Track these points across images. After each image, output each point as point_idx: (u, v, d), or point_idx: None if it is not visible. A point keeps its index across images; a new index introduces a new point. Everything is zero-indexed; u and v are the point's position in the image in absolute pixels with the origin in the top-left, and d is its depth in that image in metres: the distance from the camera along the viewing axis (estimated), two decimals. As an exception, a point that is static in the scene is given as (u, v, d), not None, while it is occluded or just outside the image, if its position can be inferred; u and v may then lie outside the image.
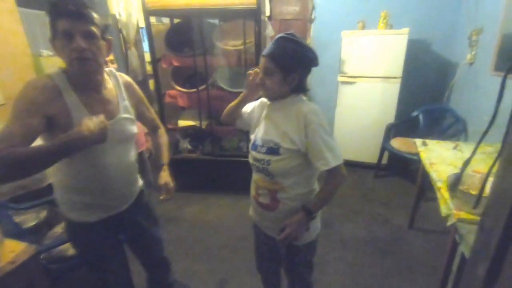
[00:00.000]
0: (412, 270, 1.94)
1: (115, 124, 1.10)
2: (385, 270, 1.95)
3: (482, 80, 2.52)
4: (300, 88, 1.11)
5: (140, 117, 1.32)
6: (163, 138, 1.43)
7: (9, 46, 2.53)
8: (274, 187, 1.13)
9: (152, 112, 1.39)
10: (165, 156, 1.39)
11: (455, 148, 1.96)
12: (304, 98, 1.15)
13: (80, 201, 1.12)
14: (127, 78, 1.24)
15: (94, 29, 0.95)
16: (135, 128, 1.20)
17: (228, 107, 1.31)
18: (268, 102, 1.17)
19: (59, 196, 1.15)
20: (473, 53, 2.67)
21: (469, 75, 2.77)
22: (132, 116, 1.19)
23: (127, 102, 1.18)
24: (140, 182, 1.36)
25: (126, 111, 1.16)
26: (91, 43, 0.95)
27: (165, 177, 1.32)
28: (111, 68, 1.20)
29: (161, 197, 1.29)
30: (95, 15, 0.96)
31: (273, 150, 1.08)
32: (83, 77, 1.02)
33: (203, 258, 2.10)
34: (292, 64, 1.03)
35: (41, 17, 3.32)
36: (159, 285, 1.67)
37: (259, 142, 1.14)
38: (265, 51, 1.05)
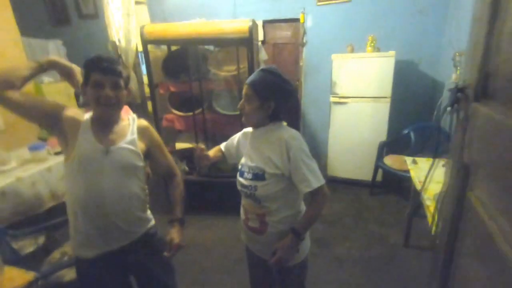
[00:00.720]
0: (408, 289, 1.95)
1: (115, 151, 1.15)
2: (381, 290, 1.95)
3: (467, 99, 2.62)
4: (277, 116, 1.19)
5: (154, 161, 1.33)
6: (179, 189, 1.37)
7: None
8: (261, 211, 1.18)
9: (169, 159, 1.38)
10: (179, 210, 1.33)
11: (444, 165, 2.01)
12: (285, 124, 1.23)
13: (78, 230, 1.15)
14: (144, 123, 1.30)
15: (120, 80, 1.13)
16: (140, 162, 1.21)
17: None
18: (251, 130, 1.25)
19: (70, 228, 1.20)
20: (457, 73, 2.78)
21: (455, 94, 2.87)
22: (138, 150, 1.21)
23: (135, 138, 1.22)
24: (151, 222, 1.33)
25: (131, 143, 1.20)
26: (117, 92, 1.13)
27: (172, 233, 1.25)
28: (133, 116, 1.29)
29: (165, 253, 1.22)
30: (122, 69, 1.13)
31: (259, 176, 1.15)
32: (104, 117, 1.17)
33: (198, 281, 2.10)
34: (269, 92, 1.13)
35: (44, 45, 3.46)
36: None
37: (245, 169, 1.21)
38: (248, 80, 1.16)
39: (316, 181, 1.10)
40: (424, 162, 2.10)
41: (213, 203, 2.95)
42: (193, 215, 2.91)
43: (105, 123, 1.18)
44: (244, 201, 1.26)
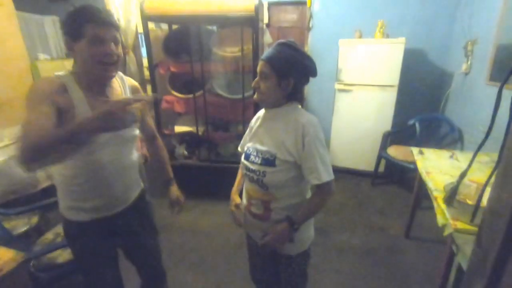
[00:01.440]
0: (408, 280, 1.92)
1: None
2: (381, 280, 1.92)
3: (477, 90, 2.54)
4: (295, 95, 1.09)
5: (141, 124, 1.32)
6: (164, 151, 1.44)
7: (6, 49, 2.51)
8: (267, 197, 1.11)
9: (151, 121, 1.38)
10: (170, 170, 1.40)
11: (451, 157, 1.96)
12: (299, 107, 1.13)
13: (74, 198, 1.11)
14: (134, 82, 1.25)
15: (118, 35, 1.01)
16: (137, 130, 1.21)
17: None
18: (263, 111, 1.16)
19: (58, 193, 1.14)
20: (468, 63, 2.70)
21: (464, 85, 2.79)
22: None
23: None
24: (141, 186, 1.34)
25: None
26: (117, 48, 1.01)
27: (175, 191, 1.36)
28: (121, 74, 1.20)
29: (176, 210, 1.35)
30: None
31: (269, 161, 1.06)
32: (99, 80, 1.05)
33: (197, 266, 2.07)
34: (287, 68, 1.02)
35: (40, 21, 3.33)
36: None
37: (252, 152, 1.13)
38: (264, 55, 1.06)
39: (327, 174, 1.04)
40: (431, 153, 2.04)
41: (213, 188, 2.89)
42: (192, 200, 2.86)
43: (100, 88, 1.07)
44: (248, 186, 1.17)
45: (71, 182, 1.09)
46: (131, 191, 1.26)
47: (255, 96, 1.11)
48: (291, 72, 1.03)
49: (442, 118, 3.09)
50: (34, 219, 1.81)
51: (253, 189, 1.14)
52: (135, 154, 1.24)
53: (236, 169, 1.31)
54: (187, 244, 2.29)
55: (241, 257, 2.08)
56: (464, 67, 2.74)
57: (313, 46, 3.55)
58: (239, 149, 1.31)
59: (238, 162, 1.29)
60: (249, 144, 1.17)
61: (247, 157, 1.14)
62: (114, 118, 0.82)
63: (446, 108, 3.16)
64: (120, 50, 1.03)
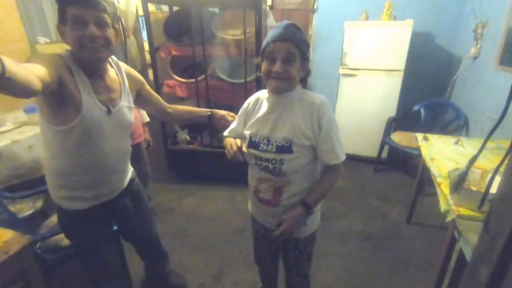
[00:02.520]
0: (408, 265, 1.94)
1: (117, 112, 1.11)
2: (381, 265, 1.94)
3: (486, 75, 2.48)
4: (305, 79, 1.08)
5: (147, 103, 1.33)
6: (182, 106, 1.50)
7: (6, 33, 2.47)
8: (280, 184, 1.09)
9: (158, 97, 1.38)
10: (200, 109, 1.49)
11: (456, 143, 1.93)
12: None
13: (72, 188, 1.11)
14: (127, 67, 1.23)
15: (106, 16, 0.96)
16: (133, 116, 1.21)
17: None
18: (266, 95, 1.12)
19: (51, 184, 1.13)
20: (477, 46, 2.61)
21: (472, 69, 2.72)
22: (132, 105, 1.20)
23: (128, 91, 1.18)
24: (131, 171, 1.35)
25: (127, 100, 1.17)
26: (104, 30, 0.96)
27: (221, 111, 1.43)
28: (115, 59, 1.18)
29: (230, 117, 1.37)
30: (105, 2, 0.95)
31: (285, 148, 1.03)
32: (92, 63, 1.01)
33: (199, 250, 2.10)
34: (307, 49, 1.01)
35: (38, 3, 3.26)
36: (156, 274, 1.68)
37: (262, 140, 1.08)
38: (282, 36, 0.96)
39: (342, 154, 1.04)
40: (436, 139, 2.01)
41: (215, 173, 2.91)
42: (195, 185, 2.88)
43: (96, 73, 1.05)
44: (257, 173, 1.13)
45: (70, 172, 1.08)
46: (126, 175, 1.28)
47: (275, 84, 1.00)
48: (307, 52, 1.02)
49: (448, 104, 3.04)
50: (39, 203, 1.83)
51: (264, 177, 1.10)
52: (129, 141, 1.26)
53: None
54: (189, 228, 2.32)
55: (243, 241, 2.11)
56: (473, 50, 2.66)
57: (317, 29, 3.46)
58: (225, 133, 1.24)
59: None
60: (255, 132, 1.11)
61: (255, 146, 1.09)
62: None
63: (453, 93, 3.09)
64: (110, 32, 0.98)
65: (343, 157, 1.04)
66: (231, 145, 1.07)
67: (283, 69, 0.97)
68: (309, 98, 1.04)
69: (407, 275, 1.86)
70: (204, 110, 1.45)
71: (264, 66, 1.02)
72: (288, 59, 0.97)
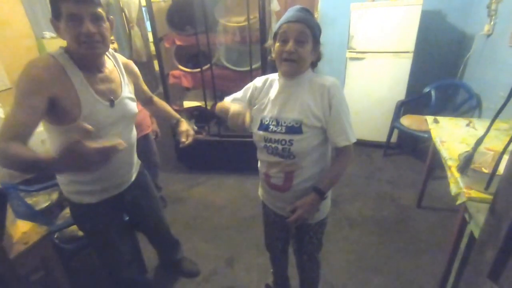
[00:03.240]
0: (418, 249, 1.94)
1: (120, 103, 1.11)
2: (391, 249, 1.95)
3: (500, 53, 2.39)
4: (317, 62, 1.08)
5: (138, 92, 1.32)
6: (163, 102, 1.50)
7: (11, 29, 2.50)
8: (290, 168, 1.09)
9: (145, 86, 1.39)
10: (175, 113, 1.45)
11: (468, 125, 1.89)
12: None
13: (81, 182, 1.13)
14: (124, 58, 1.23)
15: (100, 10, 0.95)
16: (136, 107, 1.21)
17: (220, 108, 1.23)
18: (276, 77, 1.12)
19: (61, 179, 1.16)
20: (491, 23, 2.51)
21: (486, 47, 2.62)
22: (133, 96, 1.20)
23: (127, 81, 1.19)
24: (139, 163, 1.38)
25: (128, 90, 1.17)
26: (99, 26, 0.95)
27: (184, 125, 1.36)
28: (111, 51, 1.18)
29: (182, 140, 1.30)
30: None
31: (295, 128, 1.03)
32: (89, 58, 1.01)
33: (210, 237, 2.14)
34: (319, 32, 1.02)
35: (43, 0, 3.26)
36: (169, 261, 1.74)
37: (271, 122, 1.08)
38: (295, 17, 0.98)
39: (353, 136, 1.05)
40: (446, 121, 1.97)
41: (223, 162, 2.93)
42: (203, 174, 2.92)
43: (94, 67, 1.04)
44: (267, 158, 1.13)
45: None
46: (133, 168, 1.30)
47: (286, 67, 1.01)
48: (319, 38, 1.03)
49: (460, 85, 2.95)
50: (54, 195, 1.89)
51: (274, 160, 1.10)
52: (134, 133, 1.27)
53: (245, 143, 1.27)
54: (200, 216, 2.37)
55: (254, 228, 2.14)
56: (486, 28, 2.55)
57: (323, 12, 3.37)
58: (226, 99, 1.25)
59: (248, 135, 1.27)
60: (265, 114, 1.11)
61: (265, 128, 1.09)
62: (86, 160, 0.76)
63: (465, 73, 3.00)
64: (106, 26, 0.97)
65: (353, 139, 1.05)
66: (235, 111, 1.05)
67: (295, 49, 0.98)
68: (320, 80, 1.05)
69: (417, 258, 1.87)
70: (174, 116, 1.43)
71: (276, 48, 1.03)
72: (301, 40, 0.98)
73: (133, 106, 1.19)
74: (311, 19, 1.00)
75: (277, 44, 1.02)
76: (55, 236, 1.56)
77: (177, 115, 1.43)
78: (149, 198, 1.42)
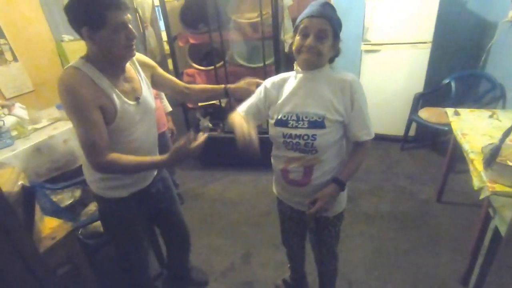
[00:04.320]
0: (438, 244, 1.90)
1: (144, 101, 1.16)
2: (410, 245, 1.92)
3: (525, 40, 2.27)
4: (334, 58, 1.08)
5: (163, 85, 1.34)
6: (199, 85, 1.53)
7: (32, 33, 2.59)
8: (311, 162, 1.09)
9: (170, 76, 1.38)
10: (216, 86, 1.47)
11: (491, 116, 1.82)
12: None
13: (114, 177, 1.17)
14: (142, 57, 1.26)
15: (129, 13, 1.01)
16: (154, 102, 1.26)
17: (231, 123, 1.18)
18: (296, 73, 1.11)
19: (93, 178, 1.20)
20: (516, 9, 2.39)
21: (509, 35, 2.50)
22: (151, 90, 1.25)
23: (144, 77, 1.22)
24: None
25: (146, 86, 1.21)
26: (131, 28, 1.01)
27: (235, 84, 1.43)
28: None
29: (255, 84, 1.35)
30: None
31: (317, 123, 1.04)
32: (120, 63, 1.07)
33: (227, 233, 2.17)
34: (340, 28, 1.02)
35: (60, 3, 3.36)
36: (179, 268, 1.75)
37: (291, 117, 1.07)
38: (317, 12, 0.98)
39: (373, 130, 1.07)
40: (467, 113, 1.90)
41: (238, 159, 2.94)
42: (218, 171, 2.95)
43: (120, 70, 1.09)
44: (286, 153, 1.12)
45: None
46: None
47: (306, 56, 1.00)
48: (339, 33, 1.03)
49: (482, 75, 2.83)
50: (77, 193, 1.97)
51: (294, 155, 1.10)
52: (156, 126, 1.31)
53: (259, 139, 1.20)
54: (216, 212, 2.40)
55: (269, 223, 2.15)
56: (510, 14, 2.43)
57: (337, 4, 3.27)
58: (240, 109, 1.21)
59: (261, 132, 1.25)
60: (283, 109, 1.10)
61: (284, 124, 1.08)
62: (187, 153, 1.03)
63: (487, 63, 2.87)
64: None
65: (373, 134, 1.07)
66: (244, 132, 0.98)
67: (315, 44, 0.98)
68: (339, 76, 1.06)
69: (438, 254, 1.83)
70: (218, 87, 1.44)
71: (296, 41, 1.03)
72: (321, 35, 0.98)
73: (153, 101, 1.23)
74: (333, 14, 1.00)
75: (297, 37, 1.02)
76: (80, 232, 1.63)
77: (221, 86, 1.43)
78: (170, 191, 1.46)
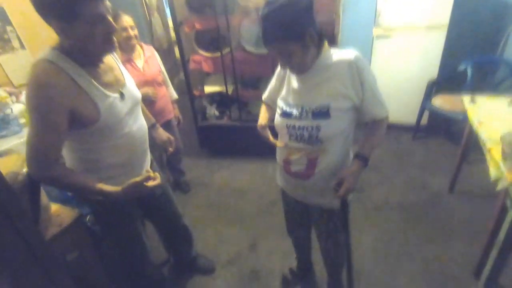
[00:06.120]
0: (450, 236, 1.85)
1: (128, 91, 1.09)
2: (421, 236, 1.88)
3: (549, 23, 2.14)
4: (322, 37, 0.98)
5: None
6: None
7: (38, 20, 2.55)
8: (315, 154, 1.05)
9: None
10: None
11: (510, 104, 1.73)
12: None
13: (107, 172, 1.10)
14: None
15: (107, 2, 0.91)
16: (138, 91, 1.18)
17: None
18: None
19: (82, 169, 1.09)
20: (540, -11, 2.25)
21: (533, 17, 2.36)
22: (131, 77, 1.17)
23: (121, 64, 1.15)
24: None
25: (127, 73, 1.15)
26: (110, 19, 0.92)
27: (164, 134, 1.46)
28: None
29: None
30: None
31: (322, 114, 0.99)
32: (103, 56, 0.99)
33: (233, 221, 2.17)
34: (299, 28, 0.89)
35: None
36: (183, 260, 1.74)
37: (295, 109, 1.04)
38: (266, 41, 0.93)
39: (386, 105, 1.03)
40: (485, 101, 1.81)
41: (245, 147, 2.92)
42: (226, 159, 2.93)
43: (99, 60, 0.99)
44: (289, 144, 1.10)
45: (102, 161, 1.07)
46: (148, 153, 1.28)
47: (293, 72, 1.02)
48: (304, 26, 0.89)
49: (501, 60, 2.70)
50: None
51: (297, 147, 1.07)
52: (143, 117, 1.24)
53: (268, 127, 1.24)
54: (223, 200, 2.40)
55: (276, 212, 2.13)
56: (534, -5, 2.29)
57: (348, -13, 3.17)
58: (265, 99, 1.27)
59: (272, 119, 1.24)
60: (286, 102, 1.08)
61: (287, 115, 1.06)
62: (141, 189, 0.97)
63: (506, 48, 2.73)
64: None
65: (388, 109, 1.03)
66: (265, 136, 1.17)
67: (289, 64, 0.97)
68: (341, 56, 0.98)
69: (449, 246, 1.79)
70: (151, 118, 1.44)
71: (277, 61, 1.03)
72: (287, 55, 0.94)
73: (136, 88, 1.16)
74: (282, 30, 0.88)
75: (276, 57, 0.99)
76: (87, 219, 1.64)
77: (152, 120, 1.45)
78: (164, 187, 1.40)
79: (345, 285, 1.40)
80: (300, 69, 0.99)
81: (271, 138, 1.15)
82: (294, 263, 1.68)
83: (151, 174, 0.98)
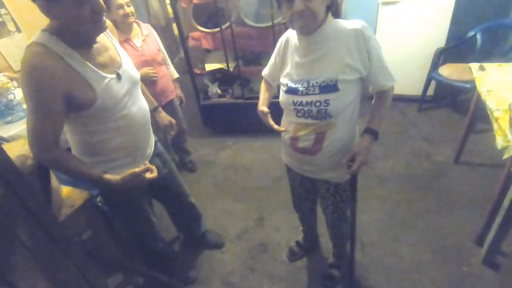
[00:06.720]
0: (454, 205, 1.87)
1: (125, 71, 1.06)
2: (425, 206, 1.90)
3: None
4: (334, 5, 0.95)
5: None
6: None
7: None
8: (323, 129, 1.05)
9: None
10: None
11: (521, 71, 1.67)
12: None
13: (112, 159, 1.10)
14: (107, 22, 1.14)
15: None
16: (136, 70, 1.16)
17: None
18: (298, 38, 1.01)
19: (86, 156, 1.09)
20: None
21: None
22: (128, 57, 1.14)
23: (118, 44, 1.12)
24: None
25: (123, 52, 1.12)
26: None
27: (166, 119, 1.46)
28: None
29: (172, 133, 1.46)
30: None
31: (329, 87, 0.97)
32: (92, 37, 0.95)
33: (240, 198, 2.21)
34: None
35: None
36: (193, 235, 1.78)
37: (301, 84, 1.02)
38: None
39: (393, 73, 1.02)
40: (494, 68, 1.76)
41: (249, 125, 2.91)
42: (230, 137, 2.94)
43: (92, 41, 0.96)
44: (297, 120, 1.08)
45: (105, 143, 1.06)
46: (152, 135, 1.27)
47: (301, 22, 0.91)
48: None
49: (512, 25, 2.58)
50: (93, 162, 2.02)
51: (304, 122, 1.06)
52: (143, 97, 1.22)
53: (270, 104, 1.23)
54: (230, 178, 2.43)
55: (282, 188, 2.16)
56: (551, -49, 2.14)
57: (351, -49, 3.00)
58: (265, 76, 1.25)
59: (274, 96, 1.23)
60: (291, 77, 1.05)
61: (293, 91, 1.04)
62: (140, 180, 0.99)
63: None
64: None
65: (395, 77, 1.03)
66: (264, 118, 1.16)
67: (304, 5, 0.87)
68: (347, 26, 0.95)
69: (453, 215, 1.81)
70: (153, 101, 1.42)
71: (284, 10, 0.93)
72: None
73: (134, 68, 1.13)
74: None
75: (284, 7, 0.92)
76: (98, 200, 1.68)
77: (155, 103, 1.44)
78: (169, 165, 1.41)
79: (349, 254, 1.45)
80: (310, 21, 0.91)
81: (273, 124, 1.13)
82: (300, 236, 1.73)
83: (150, 166, 1.00)
